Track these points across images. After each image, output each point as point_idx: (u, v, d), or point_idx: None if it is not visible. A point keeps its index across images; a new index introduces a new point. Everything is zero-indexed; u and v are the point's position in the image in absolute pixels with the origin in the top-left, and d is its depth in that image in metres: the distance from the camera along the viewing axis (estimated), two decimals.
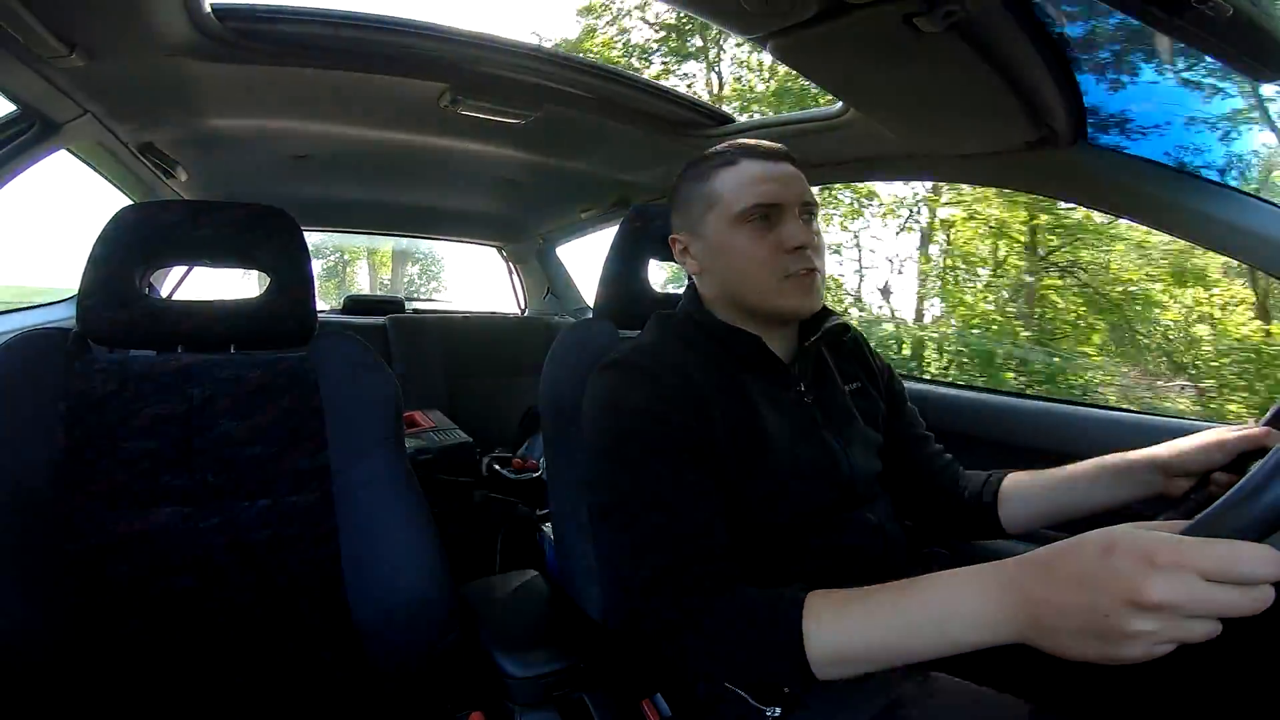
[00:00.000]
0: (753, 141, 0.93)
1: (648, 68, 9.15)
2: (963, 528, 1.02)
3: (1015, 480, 0.98)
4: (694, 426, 0.83)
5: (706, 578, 0.74)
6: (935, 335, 6.83)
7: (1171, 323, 5.63)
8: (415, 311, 3.03)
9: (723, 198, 0.90)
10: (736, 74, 9.08)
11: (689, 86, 9.00)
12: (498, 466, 2.05)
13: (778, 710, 0.78)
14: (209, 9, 1.10)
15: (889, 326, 7.22)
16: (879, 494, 0.99)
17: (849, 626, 0.64)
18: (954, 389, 1.50)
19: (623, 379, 0.86)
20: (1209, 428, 0.96)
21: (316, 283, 1.05)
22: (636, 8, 9.33)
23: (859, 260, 7.52)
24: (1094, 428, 1.24)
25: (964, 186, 6.05)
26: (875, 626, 0.63)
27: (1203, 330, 5.44)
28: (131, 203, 1.80)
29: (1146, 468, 0.86)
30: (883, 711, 0.78)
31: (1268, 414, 0.79)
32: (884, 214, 7.31)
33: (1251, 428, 0.80)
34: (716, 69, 9.28)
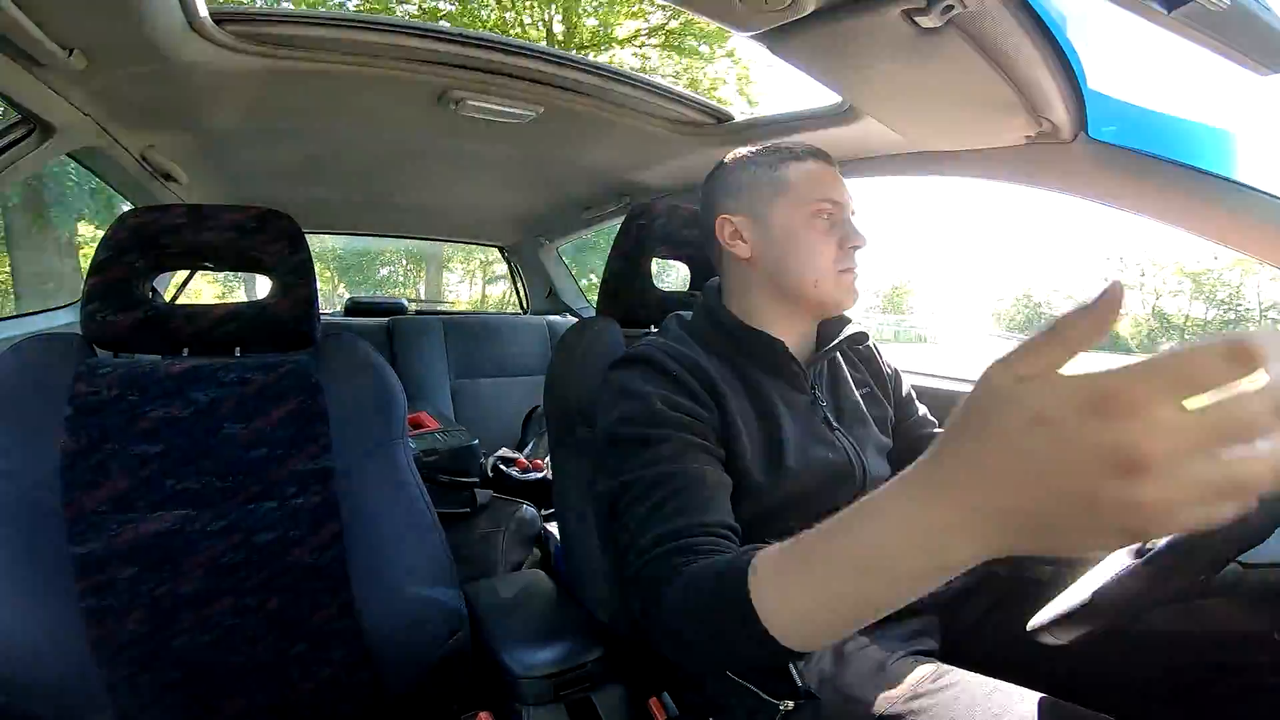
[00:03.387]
0: (812, 146, 0.99)
1: None
2: None
3: None
4: (705, 415, 0.84)
5: (689, 552, 0.71)
6: None
7: None
8: (418, 312, 3.04)
9: (796, 188, 0.94)
10: None
11: None
12: (502, 466, 2.05)
13: (789, 704, 0.78)
14: (206, 13, 1.10)
15: None
16: None
17: (793, 581, 0.54)
18: (960, 384, 1.49)
19: (639, 372, 0.88)
20: None
21: None
22: None
23: None
24: None
25: None
26: (819, 578, 0.51)
27: None
28: (133, 207, 1.80)
29: None
30: (898, 704, 0.78)
31: None
32: None
33: None
34: None
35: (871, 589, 0.49)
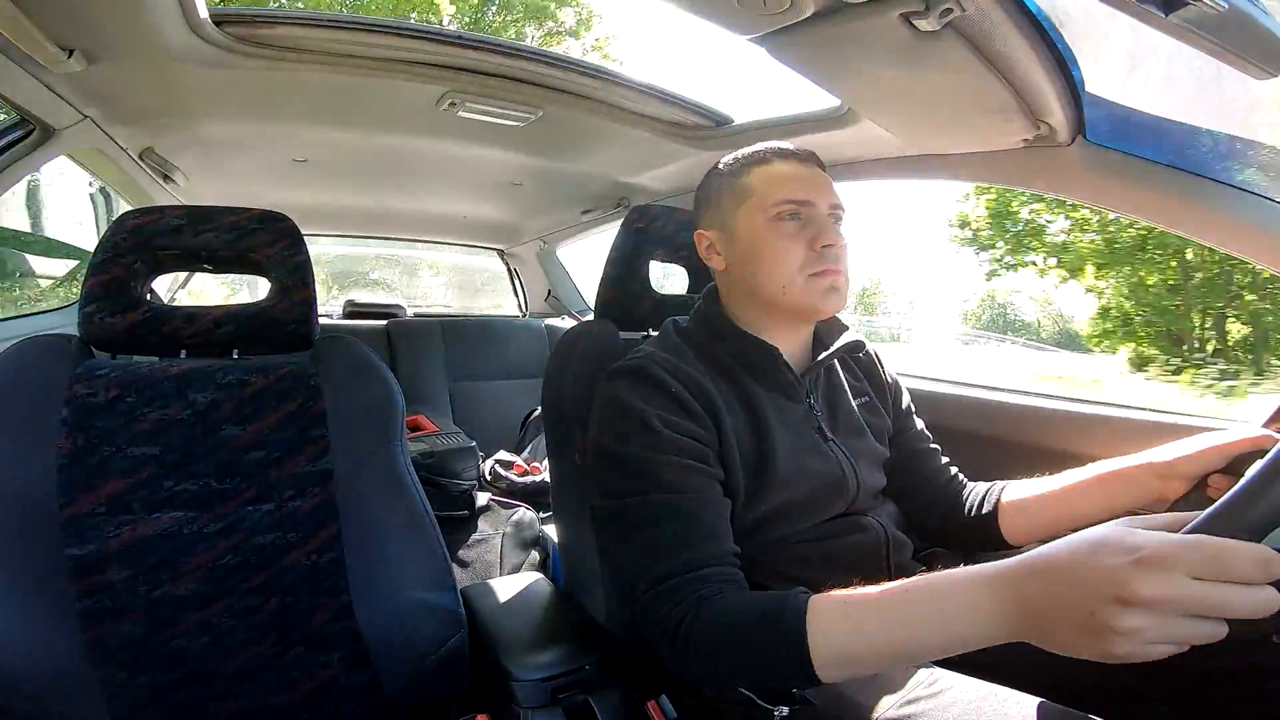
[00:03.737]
0: (785, 144, 0.95)
1: None
2: (966, 541, 1.02)
3: (1015, 491, 0.99)
4: (703, 434, 0.84)
5: (710, 582, 0.74)
6: None
7: None
8: (416, 315, 3.04)
9: (755, 192, 0.92)
10: None
11: None
12: (500, 469, 2.05)
13: (785, 710, 0.78)
14: (205, 14, 1.10)
15: None
16: (883, 503, 1.00)
17: (852, 627, 0.64)
18: (961, 388, 1.49)
19: (633, 384, 0.87)
20: (1210, 427, 0.96)
21: None
22: None
23: None
24: (1098, 427, 1.24)
25: None
26: (878, 627, 0.63)
27: None
28: (132, 208, 1.81)
29: (1143, 473, 0.86)
30: (892, 709, 0.78)
31: (1269, 414, 0.79)
32: None
33: (1248, 431, 0.80)
34: None
35: (916, 644, 0.61)
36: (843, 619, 0.65)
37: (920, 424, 1.11)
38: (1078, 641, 0.52)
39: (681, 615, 0.72)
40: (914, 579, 0.64)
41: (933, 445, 1.10)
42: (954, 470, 1.08)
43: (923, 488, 1.06)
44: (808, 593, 0.68)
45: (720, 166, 0.98)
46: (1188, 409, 1.20)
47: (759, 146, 0.96)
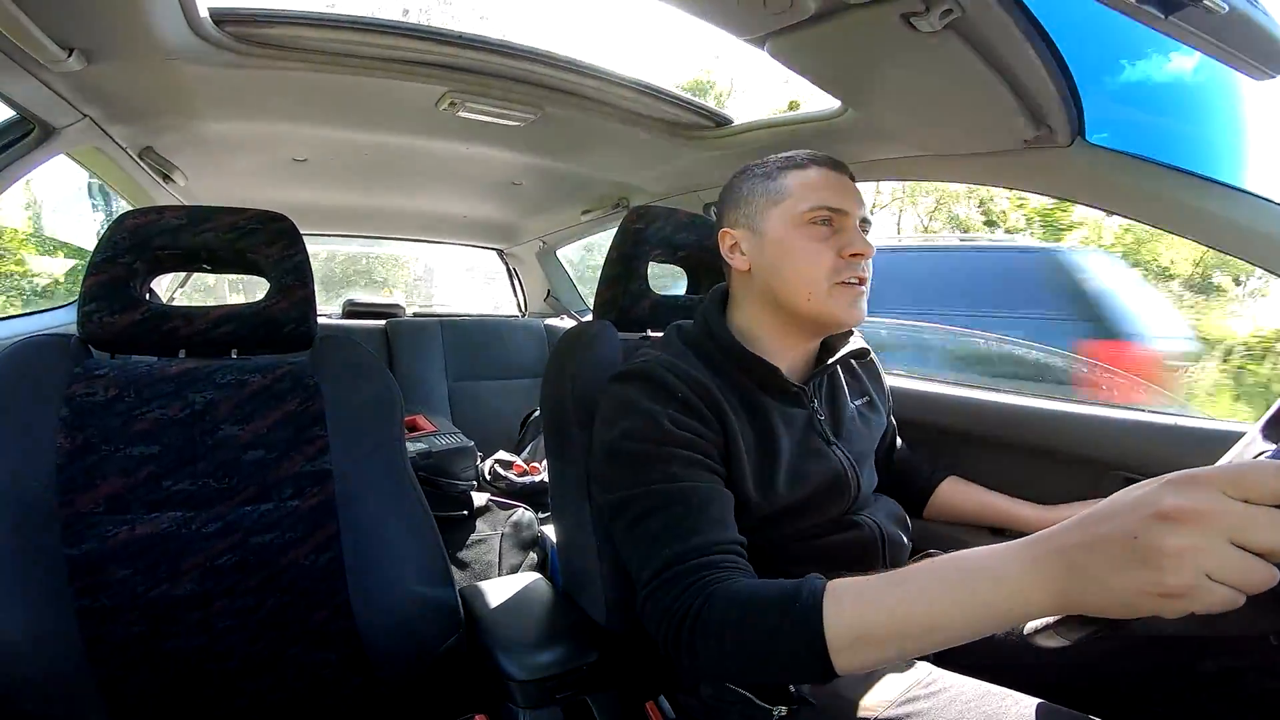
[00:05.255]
0: (819, 153, 0.95)
1: None
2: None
3: (952, 486, 1.17)
4: (710, 435, 0.84)
5: (718, 568, 0.73)
6: None
7: None
8: (415, 315, 3.03)
9: (790, 195, 0.91)
10: None
11: None
12: (499, 469, 2.05)
13: (783, 710, 0.78)
14: (205, 13, 1.10)
15: None
16: (878, 501, 1.01)
17: (870, 604, 0.60)
18: (954, 389, 1.49)
19: (641, 387, 0.87)
20: (1200, 426, 0.97)
21: None
22: None
23: None
24: (1085, 427, 1.23)
25: None
26: (899, 601, 0.58)
27: None
28: (131, 207, 1.80)
29: (1033, 529, 0.96)
30: (890, 709, 0.78)
31: (1262, 420, 0.79)
32: None
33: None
34: None
35: (942, 617, 0.56)
36: (861, 596, 0.61)
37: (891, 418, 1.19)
38: (1126, 577, 0.47)
39: (691, 602, 0.71)
40: (939, 557, 0.60)
41: (895, 436, 1.21)
42: (906, 449, 1.21)
43: (894, 471, 1.17)
44: (823, 578, 0.65)
45: (754, 166, 0.98)
46: None
47: (794, 152, 0.96)
